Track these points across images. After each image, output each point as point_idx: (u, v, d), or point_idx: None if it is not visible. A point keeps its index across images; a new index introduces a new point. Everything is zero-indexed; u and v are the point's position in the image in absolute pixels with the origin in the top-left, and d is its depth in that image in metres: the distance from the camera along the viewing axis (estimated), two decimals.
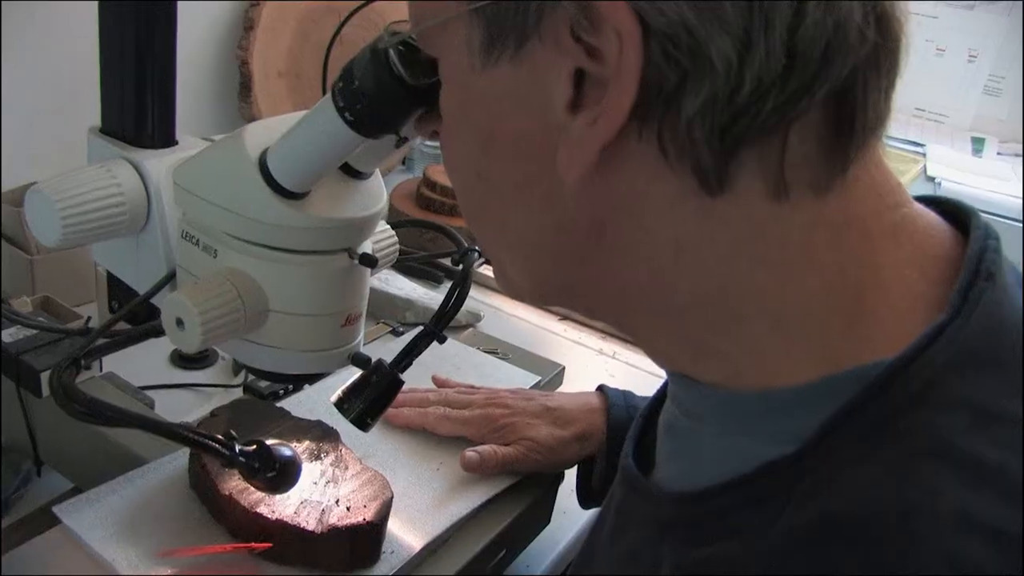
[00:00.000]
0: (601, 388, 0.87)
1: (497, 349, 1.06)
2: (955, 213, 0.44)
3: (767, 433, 0.41)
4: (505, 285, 0.50)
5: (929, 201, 0.45)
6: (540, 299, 0.50)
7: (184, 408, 0.99)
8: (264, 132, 0.57)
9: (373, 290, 1.23)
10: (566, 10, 0.36)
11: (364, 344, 0.66)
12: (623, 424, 0.81)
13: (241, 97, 1.46)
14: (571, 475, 0.86)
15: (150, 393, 0.95)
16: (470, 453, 0.79)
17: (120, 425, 0.54)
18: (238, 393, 1.01)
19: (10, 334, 0.86)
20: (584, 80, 0.38)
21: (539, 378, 1.00)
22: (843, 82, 0.36)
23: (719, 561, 0.40)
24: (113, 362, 0.91)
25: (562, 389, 1.07)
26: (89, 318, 0.93)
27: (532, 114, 0.40)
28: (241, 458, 0.58)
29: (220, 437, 0.57)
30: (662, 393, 0.57)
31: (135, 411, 0.54)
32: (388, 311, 1.21)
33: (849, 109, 0.38)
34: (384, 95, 0.49)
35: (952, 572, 0.33)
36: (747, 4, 0.34)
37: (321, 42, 1.51)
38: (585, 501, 0.87)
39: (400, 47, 0.48)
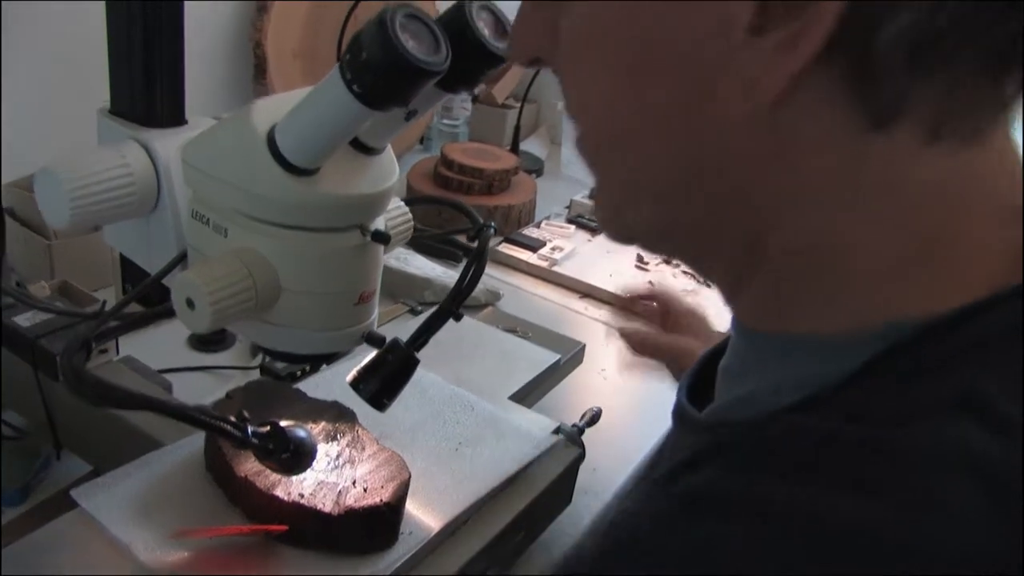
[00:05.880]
0: None
1: (517, 328, 1.05)
2: None
3: (812, 373, 0.39)
4: (617, 228, 0.46)
5: None
6: (653, 240, 0.46)
7: (202, 391, 0.98)
8: (273, 107, 0.56)
9: (391, 270, 1.22)
10: None
11: (383, 324, 0.65)
12: None
13: (256, 79, 1.45)
14: (592, 454, 0.85)
15: (168, 376, 0.95)
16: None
17: (130, 407, 0.54)
18: (256, 375, 1.01)
19: (27, 318, 0.86)
20: None
21: (559, 356, 0.99)
22: None
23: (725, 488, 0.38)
24: (131, 346, 0.91)
25: (582, 367, 1.06)
26: (105, 302, 0.93)
27: (700, 32, 0.36)
28: (254, 439, 0.57)
29: (231, 418, 0.56)
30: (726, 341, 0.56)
31: (145, 393, 0.53)
32: (407, 290, 1.20)
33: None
34: (392, 68, 0.48)
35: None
36: None
37: (335, 23, 1.49)
38: None
39: (404, 19, 0.46)
